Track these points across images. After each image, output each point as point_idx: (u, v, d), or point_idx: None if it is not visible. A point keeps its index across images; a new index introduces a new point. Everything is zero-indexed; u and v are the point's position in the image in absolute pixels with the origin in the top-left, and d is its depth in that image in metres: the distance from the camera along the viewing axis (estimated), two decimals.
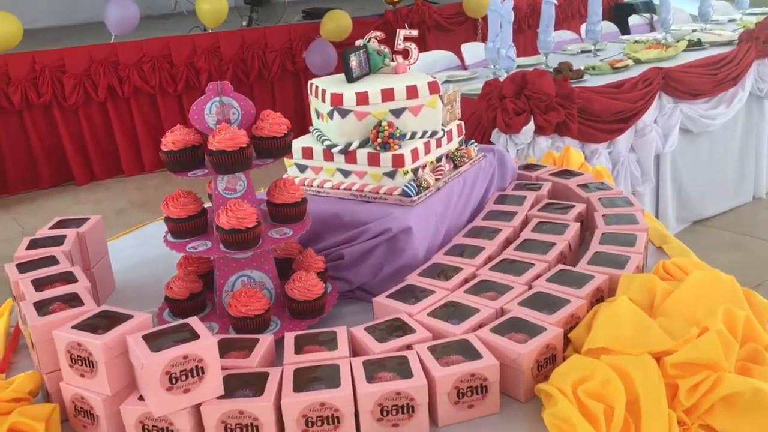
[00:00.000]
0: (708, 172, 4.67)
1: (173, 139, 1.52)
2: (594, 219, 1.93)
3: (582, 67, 4.23)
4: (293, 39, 7.04)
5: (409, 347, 1.39)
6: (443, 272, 1.67)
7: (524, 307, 1.49)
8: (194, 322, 1.29)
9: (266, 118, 1.56)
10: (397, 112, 1.87)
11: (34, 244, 1.72)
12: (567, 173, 2.28)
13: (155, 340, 1.25)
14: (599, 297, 1.57)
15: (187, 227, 1.57)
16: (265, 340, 1.43)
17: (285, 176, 1.97)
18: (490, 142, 3.68)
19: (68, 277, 1.53)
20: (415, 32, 2.08)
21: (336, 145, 1.86)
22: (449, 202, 1.90)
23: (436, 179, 1.91)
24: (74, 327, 1.30)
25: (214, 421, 1.24)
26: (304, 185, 1.94)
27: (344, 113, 1.84)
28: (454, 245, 1.81)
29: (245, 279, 1.61)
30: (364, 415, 1.26)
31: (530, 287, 1.59)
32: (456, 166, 2.01)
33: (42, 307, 1.40)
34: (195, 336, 1.25)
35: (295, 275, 1.58)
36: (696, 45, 4.73)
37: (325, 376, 1.30)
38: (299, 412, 1.24)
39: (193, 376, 1.22)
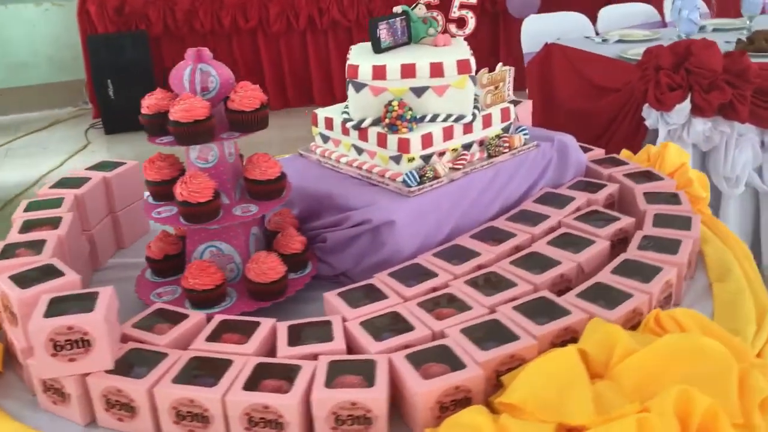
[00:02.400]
0: None
1: (149, 102, 1.52)
2: (632, 240, 1.64)
3: None
4: None
5: (315, 357, 1.29)
6: (415, 276, 1.53)
7: (464, 335, 1.32)
8: (104, 292, 1.31)
9: (240, 90, 1.50)
10: (419, 91, 1.71)
11: (60, 184, 1.85)
12: (647, 176, 1.95)
13: (59, 304, 1.28)
14: (567, 339, 1.34)
15: (161, 191, 1.58)
16: (193, 318, 1.41)
17: (311, 144, 1.91)
18: (642, 118, 3.27)
19: (55, 222, 1.63)
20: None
21: (351, 120, 1.75)
22: (465, 195, 1.72)
23: (455, 169, 1.73)
24: (11, 276, 1.38)
25: (98, 393, 1.26)
26: (323, 156, 1.86)
27: (359, 87, 1.72)
28: (450, 246, 1.64)
29: (214, 250, 1.59)
30: (232, 420, 1.21)
31: (492, 311, 1.40)
32: (490, 156, 1.81)
33: (8, 251, 1.51)
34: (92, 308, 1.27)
35: (255, 255, 1.54)
36: None
37: (210, 372, 1.26)
38: (169, 404, 1.22)
39: (78, 347, 1.24)
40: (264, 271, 1.51)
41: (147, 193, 1.63)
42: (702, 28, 4.07)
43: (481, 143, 1.81)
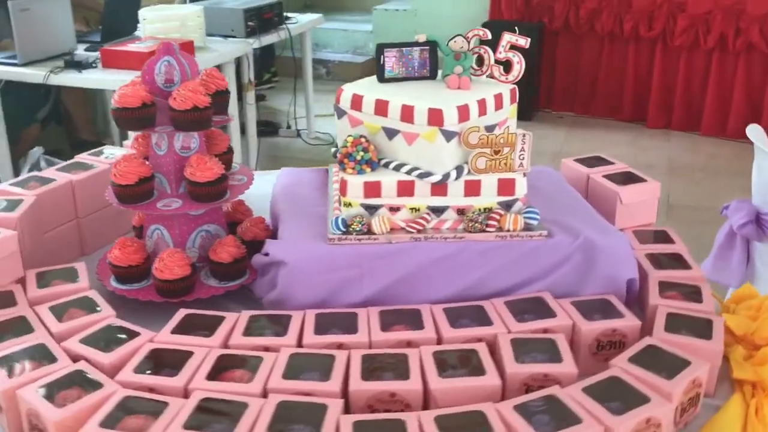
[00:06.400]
0: None
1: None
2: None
3: None
4: None
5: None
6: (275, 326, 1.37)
7: None
8: None
9: (181, 88, 1.50)
10: (390, 133, 1.48)
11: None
12: (701, 329, 1.36)
13: None
14: None
15: None
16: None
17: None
18: None
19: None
20: (523, 40, 1.52)
21: (336, 145, 1.61)
22: (404, 263, 1.45)
23: (407, 231, 1.46)
24: None
25: None
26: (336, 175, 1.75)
27: (341, 113, 1.56)
28: (332, 314, 1.41)
29: (159, 233, 1.66)
30: None
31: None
32: (465, 230, 1.47)
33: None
34: None
35: (164, 252, 1.55)
36: None
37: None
38: None
39: None
40: (161, 268, 1.53)
41: None
42: None
43: (462, 212, 1.48)
